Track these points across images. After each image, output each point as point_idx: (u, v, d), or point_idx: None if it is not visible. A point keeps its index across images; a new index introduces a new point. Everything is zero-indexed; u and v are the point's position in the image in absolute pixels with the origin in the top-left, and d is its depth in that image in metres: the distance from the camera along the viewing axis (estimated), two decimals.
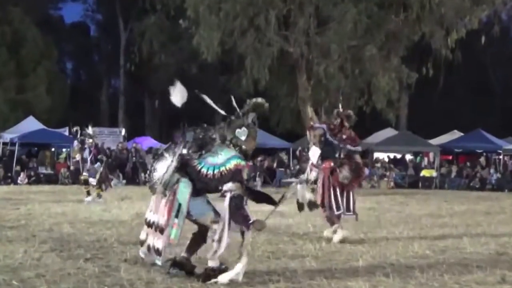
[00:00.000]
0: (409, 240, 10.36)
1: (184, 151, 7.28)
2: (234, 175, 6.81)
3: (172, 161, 7.01)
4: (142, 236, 7.34)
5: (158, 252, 6.88)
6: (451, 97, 48.59)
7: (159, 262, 6.98)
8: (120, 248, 9.01)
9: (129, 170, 33.00)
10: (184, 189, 6.91)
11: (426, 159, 37.26)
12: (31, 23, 44.32)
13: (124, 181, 31.60)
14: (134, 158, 33.64)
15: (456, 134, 40.02)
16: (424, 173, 35.36)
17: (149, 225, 7.17)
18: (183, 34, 36.62)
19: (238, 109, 7.30)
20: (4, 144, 34.88)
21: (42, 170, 32.50)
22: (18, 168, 31.78)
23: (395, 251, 9.09)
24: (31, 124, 36.00)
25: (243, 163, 6.92)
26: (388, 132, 39.75)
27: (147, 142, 39.21)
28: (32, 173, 31.63)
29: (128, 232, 10.97)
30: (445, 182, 34.06)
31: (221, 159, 6.95)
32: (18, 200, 18.37)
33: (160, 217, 6.94)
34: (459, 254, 9.13)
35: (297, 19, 31.38)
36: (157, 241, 6.90)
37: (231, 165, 6.85)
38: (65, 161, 33.22)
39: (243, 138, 7.13)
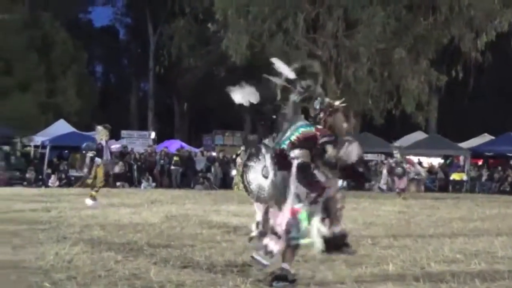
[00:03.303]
0: (439, 244, 10.27)
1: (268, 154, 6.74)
2: (303, 142, 6.62)
3: (264, 166, 6.67)
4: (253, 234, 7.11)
5: (271, 254, 6.67)
6: (481, 100, 48.21)
7: (266, 262, 6.73)
8: (150, 251, 9.03)
9: (157, 173, 33.10)
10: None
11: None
12: (60, 27, 44.69)
13: (154, 184, 31.74)
14: (162, 161, 33.75)
15: (486, 137, 39.72)
16: (454, 176, 35.12)
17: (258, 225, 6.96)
18: (212, 38, 36.74)
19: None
20: (35, 147, 35.36)
21: (73, 172, 32.69)
22: (49, 170, 32.09)
23: (426, 255, 9.01)
24: (61, 127, 36.31)
25: (312, 129, 6.69)
26: (418, 136, 39.53)
27: (175, 145, 39.31)
28: (63, 176, 31.87)
29: (158, 234, 10.99)
30: (475, 186, 33.81)
31: (290, 132, 6.69)
32: (49, 203, 18.47)
33: (276, 222, 6.66)
34: (490, 258, 9.03)
35: (326, 22, 31.37)
36: (273, 245, 6.62)
37: (299, 133, 6.61)
38: None
39: (317, 107, 6.98)
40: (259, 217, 6.95)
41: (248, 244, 8.91)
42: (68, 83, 43.04)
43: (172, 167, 33.39)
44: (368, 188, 33.08)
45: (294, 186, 6.48)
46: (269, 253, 6.61)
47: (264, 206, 6.82)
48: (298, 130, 6.61)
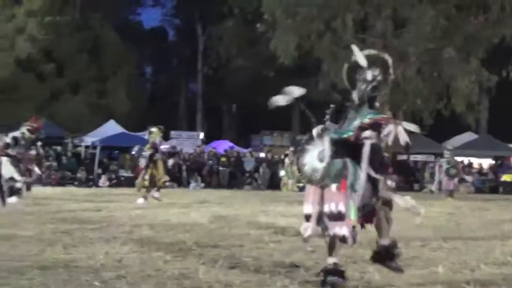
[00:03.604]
0: (490, 246, 10.13)
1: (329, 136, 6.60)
2: (371, 126, 6.48)
3: (323, 149, 6.54)
4: (308, 232, 6.81)
5: (344, 239, 6.51)
6: None
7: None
8: (199, 251, 9.06)
9: (206, 173, 33.23)
10: (351, 169, 6.52)
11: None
12: (111, 28, 45.15)
13: (202, 184, 31.89)
14: (210, 162, 33.89)
15: None
16: (505, 178, 34.65)
17: (308, 218, 6.73)
18: (260, 38, 36.75)
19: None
20: (86, 147, 35.72)
21: (123, 173, 33.04)
22: (99, 171, 32.43)
23: (476, 258, 8.90)
24: (111, 128, 36.66)
25: (379, 116, 6.59)
26: (468, 136, 39.07)
27: (224, 145, 39.43)
28: (113, 176, 32.19)
29: (206, 234, 11.03)
30: None
31: (357, 120, 6.56)
32: (100, 203, 18.68)
33: (334, 205, 6.55)
34: None
35: (374, 22, 31.18)
36: (341, 229, 6.47)
37: (367, 120, 6.49)
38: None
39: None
40: (307, 209, 6.75)
41: (296, 245, 8.93)
42: (118, 84, 43.44)
43: (221, 168, 33.53)
44: (417, 189, 32.84)
45: (364, 167, 6.43)
46: (342, 239, 6.54)
47: (314, 191, 6.70)
48: (366, 117, 6.52)
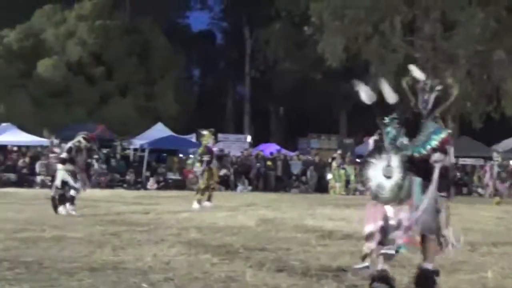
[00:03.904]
0: None
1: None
2: (441, 149, 6.33)
3: (388, 165, 6.38)
4: (366, 250, 6.60)
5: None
6: None
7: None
8: (246, 254, 9.08)
9: (253, 176, 33.25)
10: (417, 188, 6.37)
11: None
12: (160, 32, 45.47)
13: (250, 187, 31.91)
14: (258, 165, 33.90)
15: None
16: None
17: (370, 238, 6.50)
18: (308, 41, 36.70)
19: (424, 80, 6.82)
20: (135, 150, 35.97)
21: (170, 175, 33.21)
22: (147, 173, 32.62)
23: None
24: (159, 131, 36.86)
25: (445, 135, 6.44)
26: None
27: (271, 148, 39.40)
28: (161, 179, 32.39)
29: (254, 237, 11.05)
30: None
31: (427, 137, 6.40)
32: (148, 205, 18.83)
33: (403, 218, 6.43)
34: None
35: (423, 24, 30.95)
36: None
37: (439, 138, 6.35)
38: (192, 167, 33.63)
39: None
40: (369, 228, 6.65)
41: (343, 248, 8.90)
42: (166, 87, 43.68)
43: (268, 171, 33.54)
44: (465, 193, 32.48)
45: (432, 190, 6.33)
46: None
47: (376, 209, 6.56)
48: (437, 134, 6.39)
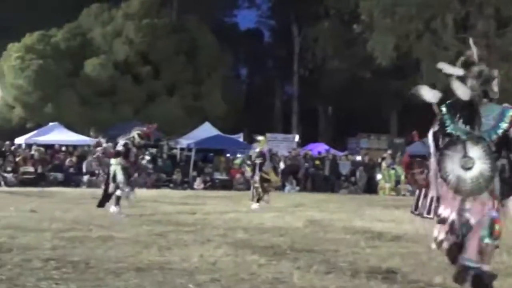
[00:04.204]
0: None
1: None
2: None
3: (465, 155, 6.10)
4: (441, 236, 6.55)
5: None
6: None
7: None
8: (293, 255, 9.07)
9: (302, 176, 33.16)
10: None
11: None
12: (207, 30, 45.58)
13: (298, 188, 31.83)
14: (306, 165, 33.82)
15: None
16: None
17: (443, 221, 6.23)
18: (357, 39, 36.52)
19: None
20: (181, 149, 36.20)
21: (217, 175, 33.28)
22: (194, 173, 32.76)
23: None
24: (206, 130, 36.97)
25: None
26: None
27: (319, 148, 39.28)
28: (208, 179, 32.48)
29: (301, 238, 11.03)
30: None
31: (496, 120, 6.16)
32: (195, 205, 18.92)
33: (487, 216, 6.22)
34: None
35: (476, 21, 30.58)
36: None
37: (510, 116, 6.12)
38: (239, 167, 33.62)
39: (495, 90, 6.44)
40: (445, 212, 6.41)
41: (392, 250, 8.83)
42: (213, 86, 43.75)
43: (315, 171, 33.46)
44: None
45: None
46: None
47: (454, 197, 6.32)
48: (505, 114, 6.15)
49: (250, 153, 20.81)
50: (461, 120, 6.22)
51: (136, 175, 17.31)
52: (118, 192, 15.33)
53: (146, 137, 16.35)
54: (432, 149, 6.44)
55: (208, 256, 8.75)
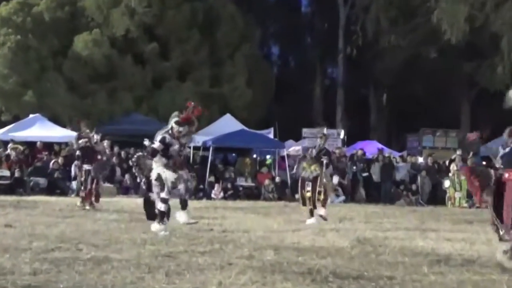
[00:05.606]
0: None
1: None
2: None
3: None
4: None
5: None
6: None
7: None
8: (337, 283, 9.07)
9: (348, 182, 32.98)
10: None
11: None
12: None
13: (343, 197, 31.58)
14: (354, 168, 33.70)
15: None
16: None
17: None
18: (419, 9, 36.40)
19: None
20: (195, 148, 35.34)
21: (241, 181, 33.20)
22: (211, 178, 32.65)
23: None
24: (228, 124, 36.85)
25: None
26: None
27: (371, 147, 39.12)
28: (229, 186, 32.44)
29: (347, 263, 11.02)
30: None
31: None
32: (212, 219, 18.94)
33: None
34: None
35: None
36: None
37: None
38: (269, 171, 33.48)
39: None
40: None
41: (463, 277, 8.81)
42: (236, 69, 43.76)
43: (366, 176, 33.37)
44: None
45: None
46: None
47: None
48: None
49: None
50: None
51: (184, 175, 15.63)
52: (159, 206, 14.79)
53: (188, 121, 15.09)
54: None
55: (229, 284, 8.78)
